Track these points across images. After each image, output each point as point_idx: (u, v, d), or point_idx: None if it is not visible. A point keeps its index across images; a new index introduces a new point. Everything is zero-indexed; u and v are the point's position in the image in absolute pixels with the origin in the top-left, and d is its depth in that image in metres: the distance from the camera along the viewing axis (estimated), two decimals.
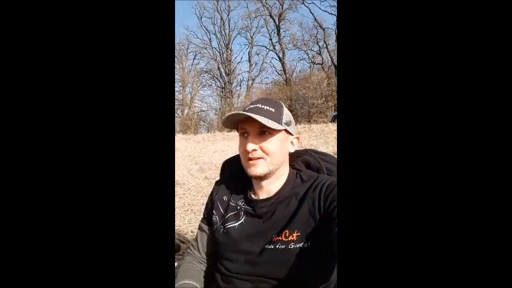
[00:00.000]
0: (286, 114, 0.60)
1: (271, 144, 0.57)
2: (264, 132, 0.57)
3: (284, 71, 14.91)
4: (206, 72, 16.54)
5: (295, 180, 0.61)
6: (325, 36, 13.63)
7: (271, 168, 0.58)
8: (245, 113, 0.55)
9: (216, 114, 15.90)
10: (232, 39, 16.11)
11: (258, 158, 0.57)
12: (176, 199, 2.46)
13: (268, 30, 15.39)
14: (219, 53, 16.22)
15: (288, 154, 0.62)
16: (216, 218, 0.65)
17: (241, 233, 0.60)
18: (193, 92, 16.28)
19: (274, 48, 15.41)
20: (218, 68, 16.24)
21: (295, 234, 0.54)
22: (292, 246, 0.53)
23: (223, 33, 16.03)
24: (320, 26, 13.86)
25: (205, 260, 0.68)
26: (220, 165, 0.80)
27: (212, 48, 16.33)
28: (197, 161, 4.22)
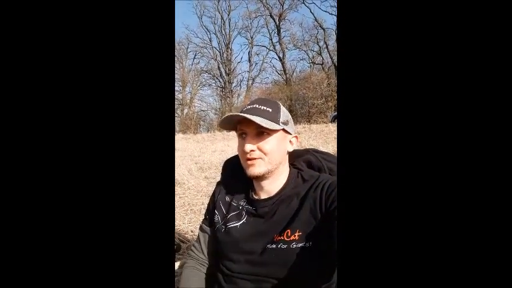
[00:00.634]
0: (284, 114, 0.60)
1: (269, 144, 0.57)
2: (262, 132, 0.57)
3: (284, 71, 14.93)
4: (206, 71, 16.56)
5: (296, 180, 0.61)
6: (326, 36, 13.65)
7: (270, 168, 0.58)
8: (241, 114, 0.55)
9: (216, 114, 15.91)
10: (232, 39, 16.13)
11: (256, 159, 0.57)
12: (176, 198, 2.46)
13: (268, 30, 15.42)
14: (219, 52, 16.25)
15: (286, 153, 0.62)
16: (218, 218, 0.65)
17: (243, 232, 0.60)
18: (193, 92, 16.29)
19: (275, 48, 15.44)
20: (218, 67, 16.25)
21: (296, 234, 0.54)
22: (294, 245, 0.53)
23: (224, 32, 16.06)
24: (320, 26, 13.88)
25: (209, 262, 0.68)
26: (220, 165, 0.79)
27: (212, 47, 16.36)
28: (197, 160, 4.22)
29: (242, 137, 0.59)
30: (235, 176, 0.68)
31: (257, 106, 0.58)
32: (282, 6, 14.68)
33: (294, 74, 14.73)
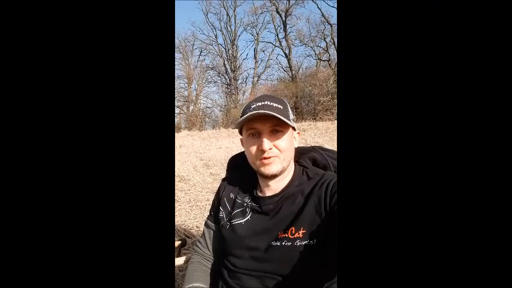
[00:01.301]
0: (291, 110, 0.61)
1: (284, 141, 0.57)
2: (276, 130, 0.57)
3: (290, 67, 14.81)
4: (212, 68, 16.57)
5: (301, 177, 0.61)
6: (333, 32, 13.44)
7: (284, 165, 0.58)
8: (266, 112, 0.54)
9: (221, 110, 15.94)
10: (238, 36, 16.07)
11: (273, 157, 0.56)
12: (182, 194, 2.49)
13: (274, 26, 15.28)
14: (225, 49, 16.21)
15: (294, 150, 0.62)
16: (222, 214, 0.65)
17: (247, 229, 0.60)
18: (199, 89, 16.34)
19: (281, 45, 15.31)
20: (224, 64, 16.24)
21: (301, 232, 0.54)
22: (298, 243, 0.53)
23: (229, 29, 15.99)
24: (327, 22, 13.67)
25: (214, 257, 0.68)
26: (226, 162, 0.80)
27: (218, 44, 16.32)
28: (202, 157, 4.25)
29: (254, 135, 0.58)
30: (240, 173, 0.69)
31: (268, 103, 0.57)
32: (289, 2, 14.52)
33: (300, 70, 14.63)
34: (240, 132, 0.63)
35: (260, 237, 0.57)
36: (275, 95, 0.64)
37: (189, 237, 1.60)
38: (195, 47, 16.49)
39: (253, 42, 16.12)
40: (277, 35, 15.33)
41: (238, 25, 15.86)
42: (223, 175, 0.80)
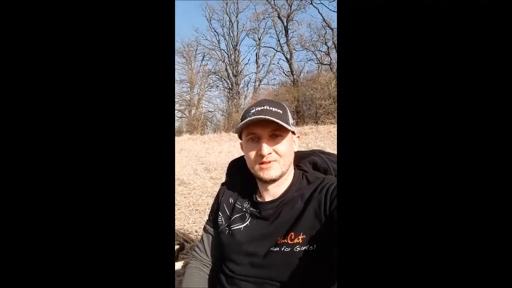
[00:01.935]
0: (290, 115, 0.60)
1: (283, 146, 0.56)
2: (276, 135, 0.56)
3: (291, 72, 14.89)
4: (214, 73, 16.70)
5: (301, 182, 0.61)
6: (334, 36, 13.52)
7: (284, 170, 0.57)
8: (266, 117, 0.53)
9: (222, 115, 16.01)
10: (240, 41, 16.22)
11: (272, 161, 0.56)
12: (181, 198, 2.48)
13: (276, 31, 15.42)
14: (227, 54, 16.36)
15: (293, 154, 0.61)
16: (221, 219, 0.65)
17: (246, 235, 0.59)
18: (201, 93, 16.45)
19: (282, 49, 15.42)
20: (226, 69, 16.36)
21: (300, 237, 0.53)
22: (297, 249, 0.52)
23: (232, 34, 16.16)
24: (329, 26, 13.76)
25: (212, 263, 0.67)
26: (226, 166, 0.79)
27: (220, 49, 16.48)
28: (203, 161, 4.25)
29: (253, 140, 0.57)
30: (240, 178, 0.68)
31: (268, 108, 0.57)
32: (290, 7, 14.68)
33: (302, 74, 14.70)
34: (240, 137, 0.62)
35: (259, 242, 0.56)
36: (275, 100, 0.64)
37: (187, 242, 1.59)
38: (198, 52, 16.69)
39: (255, 47, 16.27)
40: (279, 40, 15.47)
41: (241, 31, 16.04)
42: (224, 179, 0.79)
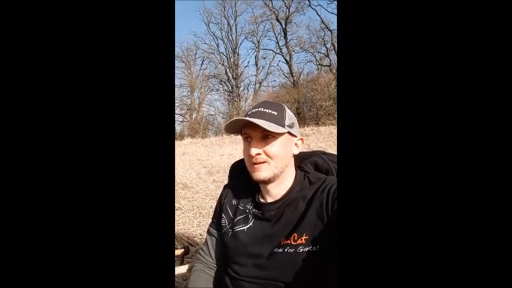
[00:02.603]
0: (289, 116, 0.60)
1: (274, 147, 0.57)
2: (267, 136, 0.57)
3: (291, 73, 14.91)
4: (214, 76, 16.76)
5: (302, 183, 0.61)
6: (333, 37, 13.55)
7: (276, 171, 0.57)
8: (246, 118, 0.55)
9: (223, 118, 16.02)
10: (239, 44, 16.29)
11: (262, 163, 0.57)
12: (185, 202, 2.48)
13: (274, 33, 15.48)
14: (226, 57, 16.42)
15: (292, 156, 0.61)
16: (225, 221, 0.65)
17: (250, 236, 0.59)
18: (201, 97, 16.51)
19: (281, 51, 15.47)
20: (226, 72, 16.41)
21: (303, 238, 0.53)
22: (300, 249, 0.52)
23: (230, 38, 16.24)
24: (327, 28, 13.81)
25: (217, 265, 0.68)
26: (229, 169, 0.80)
27: (219, 53, 16.56)
28: (205, 164, 4.26)
29: (247, 140, 0.59)
30: (242, 180, 0.68)
31: (262, 109, 0.58)
32: (288, 10, 14.74)
33: (302, 76, 14.71)
34: None
35: (263, 244, 0.57)
36: (275, 102, 0.65)
37: (192, 245, 1.59)
38: (197, 56, 16.77)
39: (254, 50, 16.33)
40: (278, 43, 15.53)
41: (239, 34, 16.13)
42: (227, 182, 0.80)
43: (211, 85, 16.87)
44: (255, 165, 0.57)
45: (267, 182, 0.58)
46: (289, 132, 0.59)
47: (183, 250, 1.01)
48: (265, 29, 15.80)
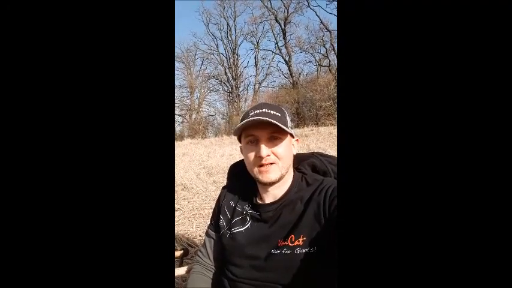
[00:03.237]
0: (289, 118, 0.61)
1: (282, 148, 0.57)
2: (274, 137, 0.57)
3: (291, 74, 14.92)
4: (213, 77, 16.76)
5: (300, 184, 0.61)
6: (332, 38, 13.57)
7: (283, 172, 0.58)
8: (265, 118, 0.54)
9: (223, 118, 16.04)
10: (238, 45, 16.30)
11: (271, 164, 0.56)
12: (185, 203, 2.48)
13: (274, 34, 15.50)
14: (226, 58, 16.44)
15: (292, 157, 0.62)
16: (223, 223, 0.65)
17: (247, 237, 0.60)
18: (201, 97, 16.52)
19: (281, 52, 15.48)
20: (225, 73, 16.43)
21: (301, 239, 0.53)
22: (298, 251, 0.52)
23: (230, 38, 16.25)
24: (326, 28, 13.82)
25: (215, 267, 0.68)
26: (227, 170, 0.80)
27: (219, 53, 16.57)
28: (205, 165, 4.25)
29: (252, 142, 0.58)
30: (240, 181, 0.69)
31: (266, 110, 0.57)
32: (287, 10, 14.76)
33: (301, 76, 14.72)
34: (240, 140, 0.63)
35: (260, 245, 0.57)
36: (274, 103, 0.65)
37: (192, 247, 1.59)
38: (196, 57, 16.78)
39: (253, 51, 16.35)
40: (277, 43, 15.54)
41: (239, 34, 16.13)
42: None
43: (211, 86, 16.90)
44: (263, 167, 0.56)
45: (273, 183, 0.58)
46: (290, 133, 0.59)
47: (182, 252, 1.01)
48: (264, 30, 15.83)
